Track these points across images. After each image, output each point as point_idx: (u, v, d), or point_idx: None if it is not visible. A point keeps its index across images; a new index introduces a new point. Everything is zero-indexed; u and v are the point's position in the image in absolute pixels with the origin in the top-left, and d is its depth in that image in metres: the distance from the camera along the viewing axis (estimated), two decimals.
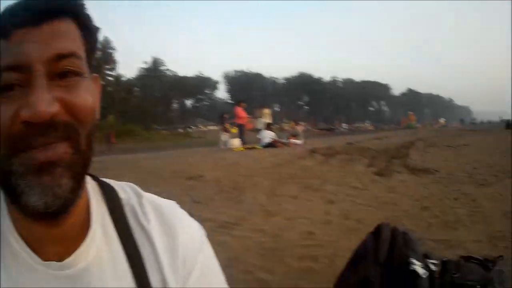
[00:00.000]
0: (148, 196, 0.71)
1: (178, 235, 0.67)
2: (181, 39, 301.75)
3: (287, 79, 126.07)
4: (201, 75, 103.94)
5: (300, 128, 24.36)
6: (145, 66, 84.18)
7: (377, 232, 1.72)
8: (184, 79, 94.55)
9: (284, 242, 4.22)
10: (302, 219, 5.17)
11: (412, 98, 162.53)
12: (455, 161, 10.76)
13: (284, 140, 18.54)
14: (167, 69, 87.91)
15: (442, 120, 78.54)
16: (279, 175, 8.58)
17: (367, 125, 77.71)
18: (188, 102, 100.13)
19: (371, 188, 7.13)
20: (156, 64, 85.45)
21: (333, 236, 4.39)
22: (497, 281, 2.85)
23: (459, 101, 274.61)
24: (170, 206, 0.72)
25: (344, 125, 68.26)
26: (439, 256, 2.77)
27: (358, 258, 1.63)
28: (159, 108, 70.71)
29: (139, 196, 0.69)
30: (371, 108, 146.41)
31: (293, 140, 18.80)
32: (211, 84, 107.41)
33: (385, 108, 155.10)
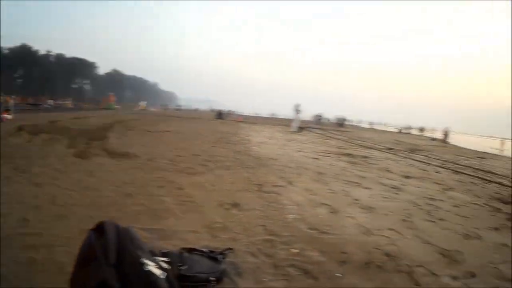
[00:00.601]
0: None
1: None
2: None
3: (10, 50, 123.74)
4: None
5: (11, 102, 23.68)
6: None
7: (99, 229, 1.63)
8: None
9: (7, 229, 3.83)
10: (16, 204, 4.73)
11: (115, 79, 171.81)
12: (156, 147, 11.42)
13: None
14: None
15: (142, 104, 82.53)
16: None
17: (68, 103, 77.73)
18: None
19: (72, 171, 6.87)
20: None
21: (45, 223, 4.10)
22: (233, 273, 2.81)
23: (164, 86, 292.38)
24: None
25: (50, 102, 66.83)
26: (159, 248, 2.56)
27: (88, 259, 1.49)
28: None
29: None
30: (74, 86, 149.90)
31: (5, 115, 19.19)
32: None
33: (88, 87, 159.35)
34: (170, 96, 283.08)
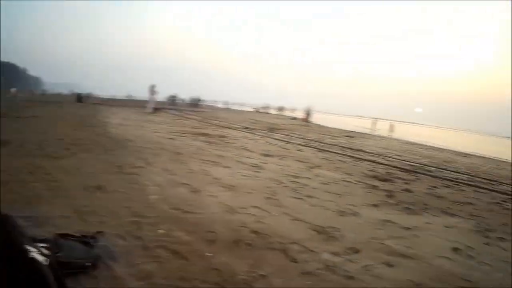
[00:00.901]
0: None
1: None
2: None
3: None
4: None
5: None
6: None
7: None
8: None
9: None
10: None
11: None
12: (25, 132, 11.19)
13: None
14: None
15: (13, 90, 79.01)
16: None
17: None
18: None
19: None
20: None
21: None
22: (107, 257, 2.93)
23: (32, 71, 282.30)
24: None
25: None
26: (36, 235, 2.62)
27: None
28: None
29: None
30: None
31: None
32: None
33: None
34: (36, 81, 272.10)
